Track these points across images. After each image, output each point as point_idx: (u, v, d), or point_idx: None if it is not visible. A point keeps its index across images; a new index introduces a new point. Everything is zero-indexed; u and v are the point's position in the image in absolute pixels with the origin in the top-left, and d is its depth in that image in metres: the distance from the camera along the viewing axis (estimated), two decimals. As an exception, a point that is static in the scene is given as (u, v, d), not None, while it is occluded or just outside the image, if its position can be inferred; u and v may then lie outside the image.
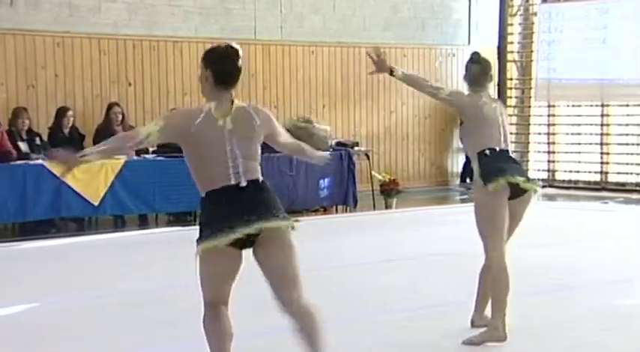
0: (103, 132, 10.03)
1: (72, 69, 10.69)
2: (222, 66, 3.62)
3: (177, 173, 9.82)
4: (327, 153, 4.56)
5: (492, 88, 5.08)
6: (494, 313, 4.73)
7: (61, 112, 9.92)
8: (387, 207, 11.30)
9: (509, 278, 4.72)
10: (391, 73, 4.76)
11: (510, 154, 4.96)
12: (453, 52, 13.80)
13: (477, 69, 4.96)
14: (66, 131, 9.88)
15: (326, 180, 10.89)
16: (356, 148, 11.55)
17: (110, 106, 10.23)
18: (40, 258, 7.81)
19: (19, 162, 9.05)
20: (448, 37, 13.94)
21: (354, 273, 6.79)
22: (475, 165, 4.85)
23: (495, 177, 4.71)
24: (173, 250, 8.16)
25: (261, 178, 3.68)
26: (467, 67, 5.04)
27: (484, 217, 4.77)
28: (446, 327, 5.10)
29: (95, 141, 10.01)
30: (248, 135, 3.65)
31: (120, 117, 10.15)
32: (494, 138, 4.83)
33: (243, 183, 3.60)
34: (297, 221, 3.77)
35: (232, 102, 3.67)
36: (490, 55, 13.97)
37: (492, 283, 4.77)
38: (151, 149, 10.32)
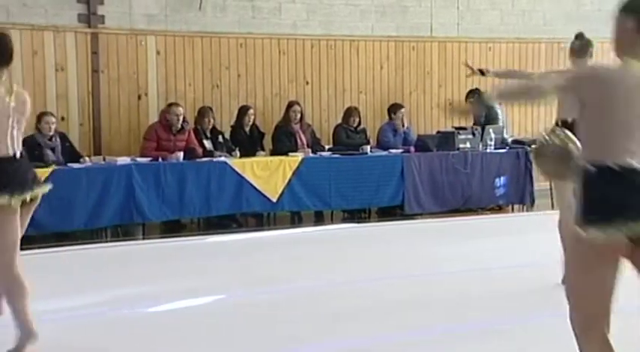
0: (282, 130, 10.34)
1: (253, 69, 11.07)
2: None
3: (352, 170, 10.00)
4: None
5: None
6: None
7: (243, 111, 10.30)
8: (567, 206, 10.95)
9: None
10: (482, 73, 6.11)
11: None
12: (640, 45, 13.15)
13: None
14: (247, 129, 10.24)
15: (502, 178, 10.71)
16: (533, 146, 11.25)
17: (290, 105, 10.50)
18: (224, 252, 8.16)
19: (204, 159, 9.47)
20: (634, 30, 13.29)
21: (525, 273, 6.64)
22: None
23: None
24: (348, 247, 8.31)
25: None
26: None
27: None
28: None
29: (274, 139, 10.35)
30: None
31: (299, 115, 10.41)
32: None
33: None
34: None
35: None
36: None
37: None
38: (326, 146, 10.55)
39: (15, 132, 4.36)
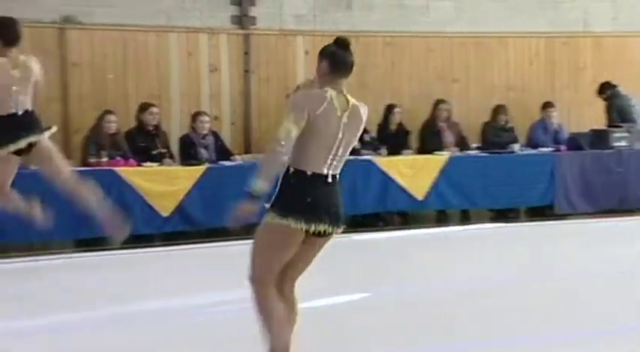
0: (428, 128, 10.30)
1: (399, 67, 11.07)
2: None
3: (500, 169, 9.83)
4: None
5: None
6: None
7: (389, 109, 10.33)
8: None
9: None
10: None
11: None
12: None
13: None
14: (393, 127, 10.26)
15: (661, 178, 10.24)
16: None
17: (437, 103, 10.43)
18: (369, 250, 8.20)
19: (349, 157, 9.51)
20: None
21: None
22: None
23: None
24: (494, 246, 8.18)
25: None
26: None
27: None
28: None
29: (420, 138, 10.33)
30: None
31: (445, 113, 10.33)
32: None
33: None
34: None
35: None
36: None
37: None
38: (474, 145, 10.40)
39: (20, 97, 5.52)
